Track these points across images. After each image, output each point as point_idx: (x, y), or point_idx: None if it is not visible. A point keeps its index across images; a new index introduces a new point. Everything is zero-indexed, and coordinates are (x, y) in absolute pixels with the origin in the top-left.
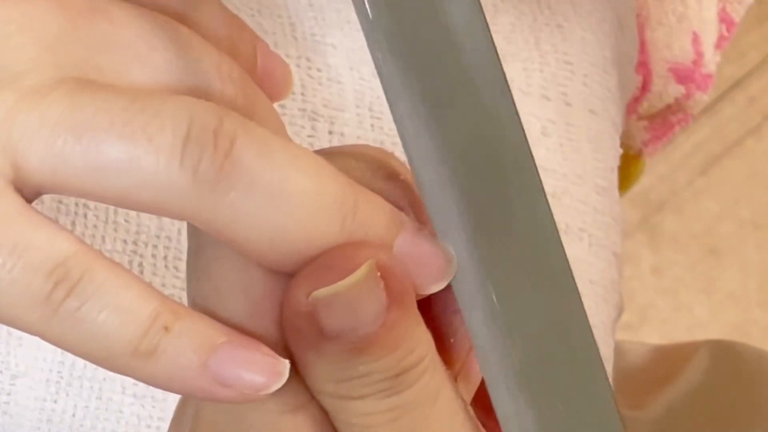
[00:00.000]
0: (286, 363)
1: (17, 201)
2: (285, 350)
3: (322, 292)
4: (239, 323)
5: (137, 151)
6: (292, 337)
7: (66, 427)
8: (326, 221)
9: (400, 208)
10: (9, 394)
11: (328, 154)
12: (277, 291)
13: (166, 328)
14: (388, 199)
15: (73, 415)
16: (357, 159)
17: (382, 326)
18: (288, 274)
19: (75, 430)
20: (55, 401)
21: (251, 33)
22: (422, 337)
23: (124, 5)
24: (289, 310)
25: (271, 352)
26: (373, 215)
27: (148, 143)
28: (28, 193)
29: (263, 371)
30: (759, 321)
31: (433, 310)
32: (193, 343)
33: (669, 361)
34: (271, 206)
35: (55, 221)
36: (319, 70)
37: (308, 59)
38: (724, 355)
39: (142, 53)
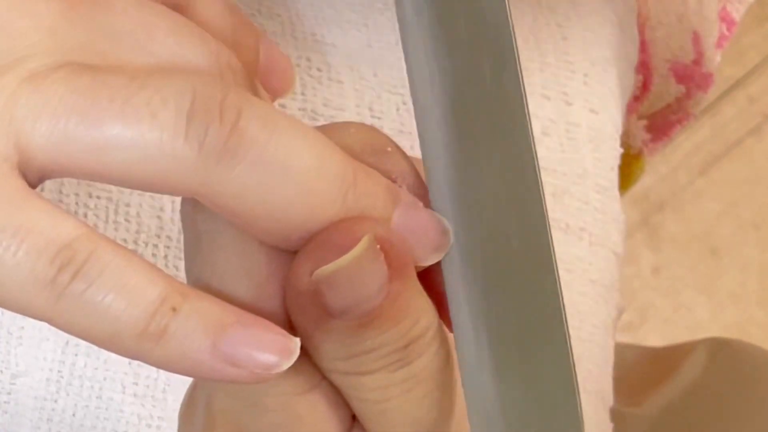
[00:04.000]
0: (297, 341)
1: (21, 185)
2: (292, 331)
3: (324, 269)
4: (245, 307)
5: (140, 127)
6: (297, 316)
7: (66, 427)
8: (329, 195)
9: (392, 181)
10: (9, 393)
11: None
12: (280, 273)
13: (174, 309)
14: (378, 171)
15: (74, 415)
16: (344, 134)
17: (385, 298)
18: (289, 253)
19: (75, 429)
20: (56, 400)
21: (254, 27)
22: (426, 307)
23: None
24: (292, 290)
25: (281, 330)
26: (372, 189)
27: (151, 119)
28: (33, 178)
29: (274, 349)
30: (759, 321)
31: (434, 282)
32: (202, 323)
33: (667, 360)
34: (278, 179)
35: (58, 205)
36: (319, 69)
37: (308, 59)
38: (721, 352)
39: (141, 42)
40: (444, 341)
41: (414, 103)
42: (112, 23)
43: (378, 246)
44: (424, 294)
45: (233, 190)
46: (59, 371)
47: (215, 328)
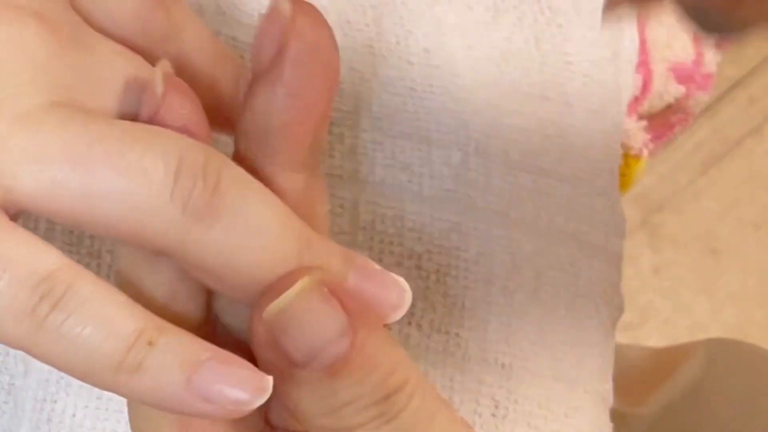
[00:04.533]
0: (269, 379)
1: (1, 218)
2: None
3: (268, 310)
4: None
5: (131, 183)
6: (270, 373)
7: (66, 427)
8: (288, 254)
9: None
10: (9, 393)
11: None
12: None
13: (151, 343)
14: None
15: (73, 415)
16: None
17: (352, 347)
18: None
19: (75, 430)
20: (55, 401)
21: (235, 62)
22: (401, 359)
23: (104, 39)
24: (256, 346)
25: (254, 368)
26: (325, 251)
27: (143, 175)
28: (14, 214)
29: (246, 387)
30: (759, 321)
31: None
32: (177, 358)
33: (668, 360)
34: (248, 239)
35: (39, 237)
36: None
37: None
38: (722, 353)
39: (120, 90)
40: (428, 395)
41: None
42: (93, 69)
43: (326, 290)
44: (398, 347)
45: (208, 248)
46: (59, 372)
47: (190, 364)
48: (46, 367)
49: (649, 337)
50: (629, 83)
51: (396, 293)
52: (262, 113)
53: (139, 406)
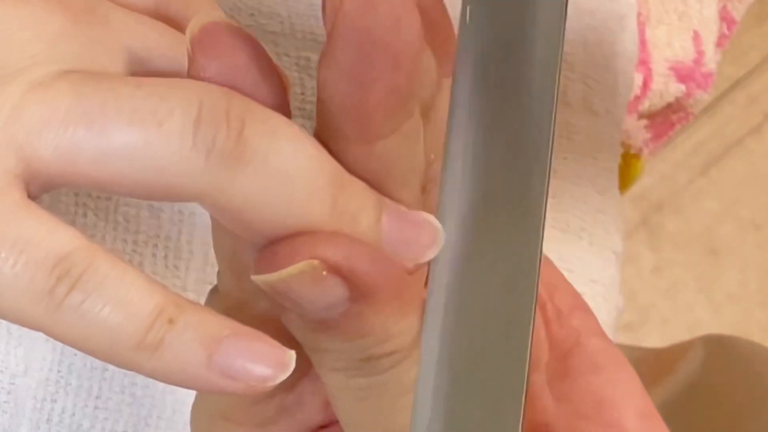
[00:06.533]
0: (292, 354)
1: (20, 196)
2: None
3: (261, 277)
4: None
5: (148, 136)
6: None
7: (65, 427)
8: (321, 198)
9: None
10: (9, 393)
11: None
12: None
13: (171, 321)
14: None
15: (73, 415)
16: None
17: (342, 315)
18: None
19: (74, 429)
20: (55, 401)
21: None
22: (403, 332)
23: (121, 10)
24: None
25: (277, 343)
26: (359, 193)
27: (158, 128)
28: (36, 188)
29: (269, 362)
30: (759, 321)
31: None
32: (198, 335)
33: (665, 359)
34: (279, 183)
35: (57, 217)
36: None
37: (308, 59)
38: (719, 349)
39: (142, 56)
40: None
41: (441, 183)
42: (110, 39)
43: (324, 273)
44: (409, 319)
45: (237, 195)
46: (58, 371)
47: (211, 340)
48: (46, 366)
49: (649, 337)
50: (629, 82)
51: (428, 233)
52: (323, 91)
53: (200, 416)
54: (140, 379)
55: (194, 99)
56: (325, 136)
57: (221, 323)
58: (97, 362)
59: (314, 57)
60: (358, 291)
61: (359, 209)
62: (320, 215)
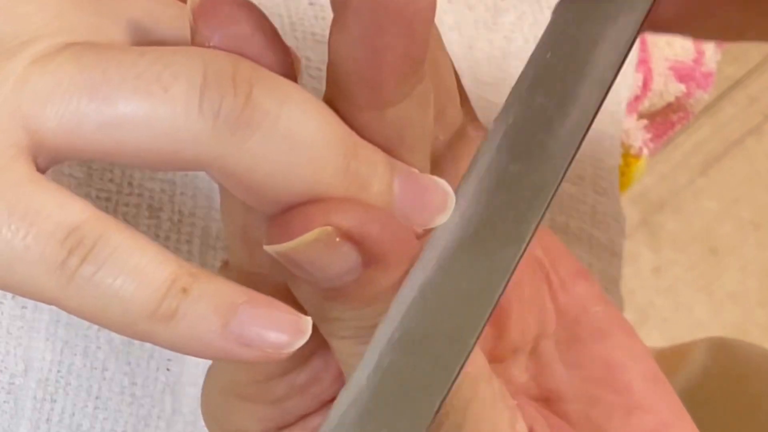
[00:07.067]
0: (308, 320)
1: (29, 169)
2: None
3: (274, 247)
4: None
5: (152, 103)
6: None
7: (65, 427)
8: (333, 164)
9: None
10: (8, 393)
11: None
12: None
13: (185, 290)
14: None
15: (72, 415)
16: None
17: (354, 281)
18: None
19: (74, 429)
20: (54, 401)
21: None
22: None
23: None
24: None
25: (292, 310)
26: (372, 158)
27: (163, 93)
28: (43, 161)
29: (285, 329)
30: (759, 321)
31: None
32: (213, 304)
33: (667, 360)
34: (289, 149)
35: (66, 189)
36: (319, 69)
37: (308, 59)
38: (722, 352)
39: (148, 28)
40: None
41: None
42: (117, 9)
43: (338, 239)
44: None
45: (246, 161)
46: (58, 371)
47: (226, 309)
48: (46, 366)
49: (649, 337)
50: (629, 82)
51: (440, 197)
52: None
53: (213, 400)
54: (140, 379)
55: (199, 64)
56: (336, 102)
57: (236, 291)
58: (97, 362)
59: (314, 57)
60: (370, 256)
61: (371, 173)
62: (332, 180)
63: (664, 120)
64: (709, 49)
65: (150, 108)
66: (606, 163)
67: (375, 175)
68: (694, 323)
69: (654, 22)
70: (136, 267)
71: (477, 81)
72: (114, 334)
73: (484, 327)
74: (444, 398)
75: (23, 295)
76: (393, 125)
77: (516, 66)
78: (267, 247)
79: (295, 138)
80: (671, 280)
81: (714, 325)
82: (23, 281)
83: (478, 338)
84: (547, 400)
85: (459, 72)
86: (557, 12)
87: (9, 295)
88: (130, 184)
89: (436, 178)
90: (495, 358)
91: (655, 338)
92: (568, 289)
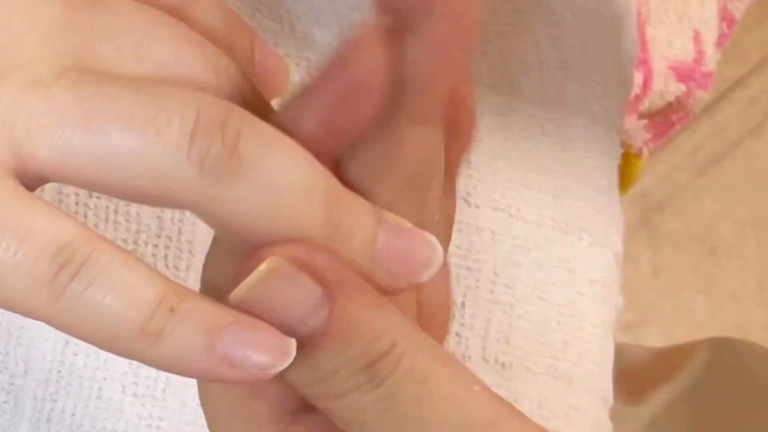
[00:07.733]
0: (293, 342)
1: (18, 187)
2: None
3: (233, 295)
4: None
5: (145, 143)
6: None
7: (65, 427)
8: (314, 213)
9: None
10: (9, 393)
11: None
12: None
13: (173, 310)
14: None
15: (73, 415)
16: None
17: (330, 318)
18: None
19: (74, 429)
20: (55, 401)
21: (248, 28)
22: (389, 321)
23: None
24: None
25: (277, 332)
26: (355, 209)
27: (156, 136)
28: (31, 183)
29: (270, 350)
30: (759, 321)
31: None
32: (199, 324)
33: (669, 359)
34: (271, 198)
35: (57, 206)
36: (319, 69)
37: (308, 59)
38: (724, 351)
39: (140, 46)
40: (420, 353)
41: None
42: (110, 27)
43: (293, 268)
44: (389, 308)
45: (229, 207)
46: (59, 371)
47: (212, 329)
48: (46, 366)
49: (649, 337)
50: (629, 82)
51: (426, 251)
52: (414, 68)
53: (213, 406)
54: (141, 378)
55: (192, 108)
56: (384, 118)
57: (222, 312)
58: (98, 362)
59: (314, 57)
60: (330, 286)
61: (352, 223)
62: (313, 230)
63: (664, 120)
64: (710, 49)
65: (141, 148)
66: (606, 163)
67: (357, 226)
68: (694, 323)
69: None
70: (126, 285)
71: (476, 81)
72: None
73: None
74: None
75: (12, 311)
76: (429, 145)
77: (515, 66)
78: (230, 298)
79: (276, 188)
80: (671, 281)
81: (714, 325)
82: (12, 297)
83: None
84: None
85: None
86: None
87: None
88: None
89: (425, 232)
90: None
91: (655, 338)
92: None
